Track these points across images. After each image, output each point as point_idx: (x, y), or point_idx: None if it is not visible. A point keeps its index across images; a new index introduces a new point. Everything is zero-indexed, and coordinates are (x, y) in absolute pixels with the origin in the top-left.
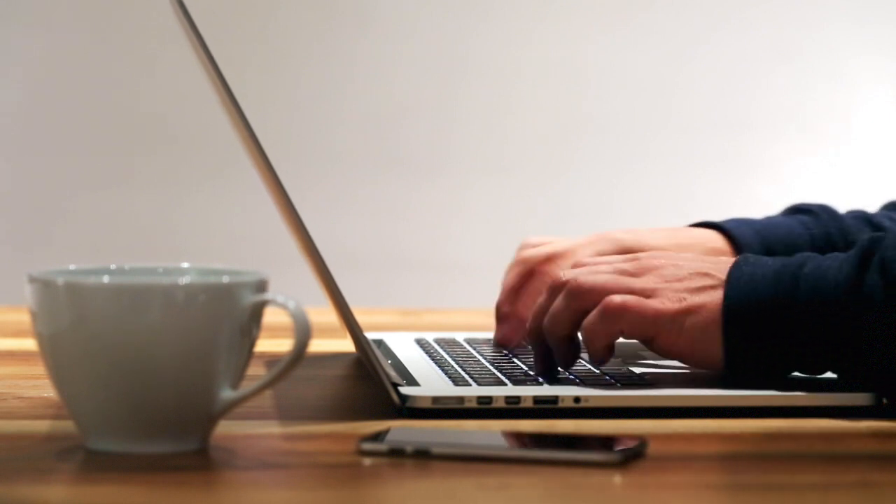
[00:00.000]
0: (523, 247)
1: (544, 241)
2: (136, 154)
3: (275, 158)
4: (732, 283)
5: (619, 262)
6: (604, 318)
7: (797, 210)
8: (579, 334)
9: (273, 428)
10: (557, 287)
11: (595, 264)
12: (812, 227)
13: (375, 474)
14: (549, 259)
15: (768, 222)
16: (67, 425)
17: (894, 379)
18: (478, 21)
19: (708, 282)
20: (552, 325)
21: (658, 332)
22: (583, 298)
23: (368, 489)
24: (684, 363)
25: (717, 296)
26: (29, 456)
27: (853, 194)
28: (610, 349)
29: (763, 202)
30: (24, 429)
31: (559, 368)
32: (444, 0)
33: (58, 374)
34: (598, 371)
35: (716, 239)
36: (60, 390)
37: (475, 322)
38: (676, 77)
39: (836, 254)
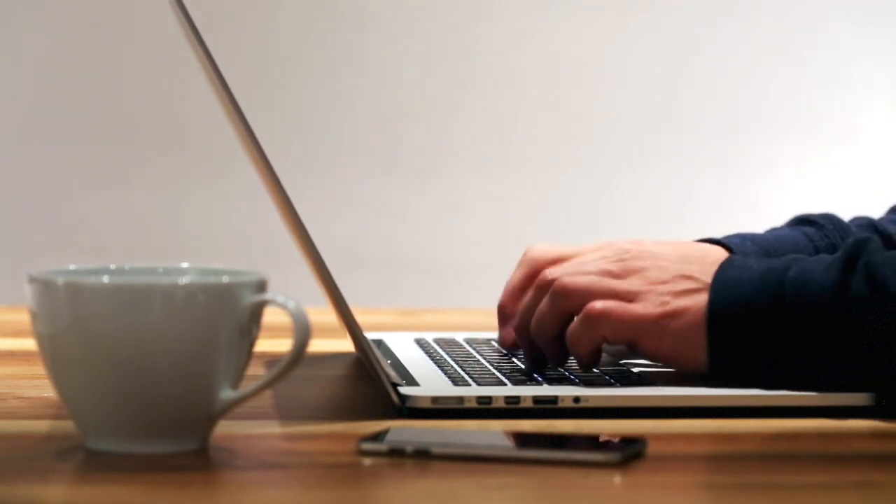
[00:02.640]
0: (528, 252)
1: (550, 247)
2: (136, 154)
3: (274, 158)
4: (717, 286)
5: (605, 262)
6: (586, 325)
7: (802, 221)
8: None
9: (273, 428)
10: (543, 286)
11: (581, 263)
12: (817, 239)
13: (375, 474)
14: (555, 262)
15: (772, 236)
16: (67, 425)
17: (881, 381)
18: (480, 21)
19: (692, 285)
20: (538, 326)
21: (641, 337)
22: (567, 300)
23: (368, 489)
24: (668, 367)
25: (701, 299)
26: (29, 456)
27: (854, 196)
28: (596, 354)
29: (765, 203)
30: (24, 429)
31: (551, 365)
32: (447, 0)
33: (58, 374)
34: (597, 371)
35: (720, 254)
36: (60, 390)
37: (475, 322)
38: (678, 78)
39: (822, 256)
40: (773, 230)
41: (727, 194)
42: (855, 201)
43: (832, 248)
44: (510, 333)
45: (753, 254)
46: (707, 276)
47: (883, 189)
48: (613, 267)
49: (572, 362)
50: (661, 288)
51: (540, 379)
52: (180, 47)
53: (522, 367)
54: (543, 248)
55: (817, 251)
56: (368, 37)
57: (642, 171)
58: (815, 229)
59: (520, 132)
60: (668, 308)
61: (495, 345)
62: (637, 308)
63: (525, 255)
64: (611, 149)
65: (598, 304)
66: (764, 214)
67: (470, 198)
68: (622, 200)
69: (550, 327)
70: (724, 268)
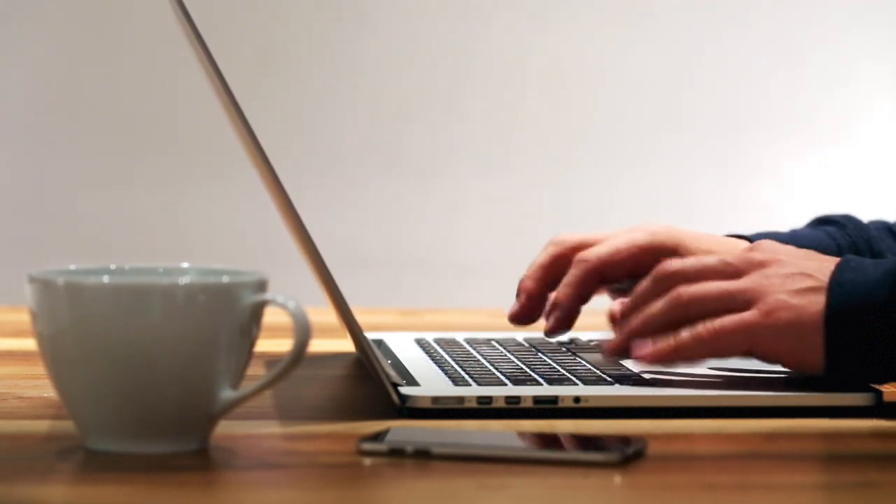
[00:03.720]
0: (559, 241)
1: (573, 237)
2: (136, 154)
3: (275, 158)
4: (834, 288)
5: (725, 259)
6: (700, 344)
7: (823, 221)
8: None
9: (273, 428)
10: (663, 278)
11: (700, 263)
12: (839, 238)
13: (375, 474)
14: (583, 245)
15: (795, 235)
16: (67, 425)
17: None
18: (481, 21)
19: (810, 283)
20: (643, 327)
21: (756, 343)
22: (686, 310)
23: (368, 489)
24: (784, 367)
25: (818, 300)
26: (29, 456)
27: (854, 196)
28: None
29: (764, 203)
30: (24, 429)
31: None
32: (447, 0)
33: (58, 374)
34: (597, 371)
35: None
36: (60, 390)
37: (475, 322)
38: (678, 78)
39: None
40: (795, 230)
41: (727, 194)
42: (855, 201)
43: (854, 248)
44: (525, 310)
45: None
46: (825, 276)
47: (883, 189)
48: (734, 261)
49: (576, 365)
50: (777, 284)
51: (540, 379)
52: (180, 47)
53: (522, 366)
54: (569, 233)
55: (839, 250)
56: (369, 37)
57: (642, 171)
58: (836, 228)
59: (520, 132)
60: (783, 307)
61: (495, 345)
62: (749, 317)
63: (550, 240)
64: (611, 149)
65: (716, 324)
66: (764, 214)
67: (470, 198)
68: (622, 200)
69: (657, 330)
70: (840, 268)
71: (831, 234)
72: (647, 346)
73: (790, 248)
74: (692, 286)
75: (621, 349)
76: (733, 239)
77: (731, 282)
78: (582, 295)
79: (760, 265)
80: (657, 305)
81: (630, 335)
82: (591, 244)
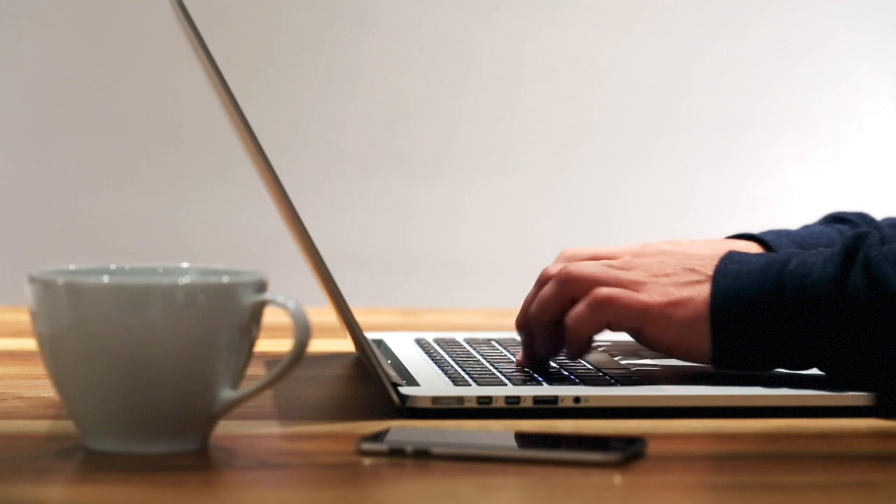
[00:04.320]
0: (562, 255)
1: (585, 250)
2: (136, 154)
3: (275, 158)
4: (719, 278)
5: (608, 262)
6: (592, 309)
7: (835, 219)
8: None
9: (273, 428)
10: (545, 279)
11: (584, 265)
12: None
13: (375, 474)
14: (595, 259)
15: (807, 233)
16: (67, 425)
17: (878, 375)
18: (481, 21)
19: (695, 277)
20: (538, 310)
21: (646, 324)
22: (572, 286)
23: (368, 489)
24: (671, 356)
25: (704, 290)
26: (29, 456)
27: (854, 196)
28: (590, 342)
29: (765, 202)
30: (24, 429)
31: (541, 359)
32: (447, 0)
33: (58, 374)
34: (598, 371)
35: (756, 251)
36: (60, 390)
37: (475, 322)
38: (679, 78)
39: (821, 250)
40: (807, 227)
41: (727, 194)
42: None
43: None
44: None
45: (788, 248)
46: (709, 269)
47: (882, 188)
48: (616, 262)
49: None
50: (664, 280)
51: (540, 379)
52: (180, 47)
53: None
54: (576, 252)
55: None
56: (369, 37)
57: (642, 171)
58: (848, 227)
59: (520, 132)
60: (672, 297)
61: (495, 345)
62: (643, 296)
63: (558, 258)
64: (611, 149)
65: (605, 290)
66: (763, 213)
67: (470, 198)
68: (622, 200)
69: (551, 311)
70: (725, 261)
71: (843, 232)
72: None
73: (670, 249)
74: (580, 266)
75: (535, 351)
76: (742, 241)
77: (618, 271)
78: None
79: (643, 265)
80: (547, 287)
81: (533, 327)
82: (602, 259)
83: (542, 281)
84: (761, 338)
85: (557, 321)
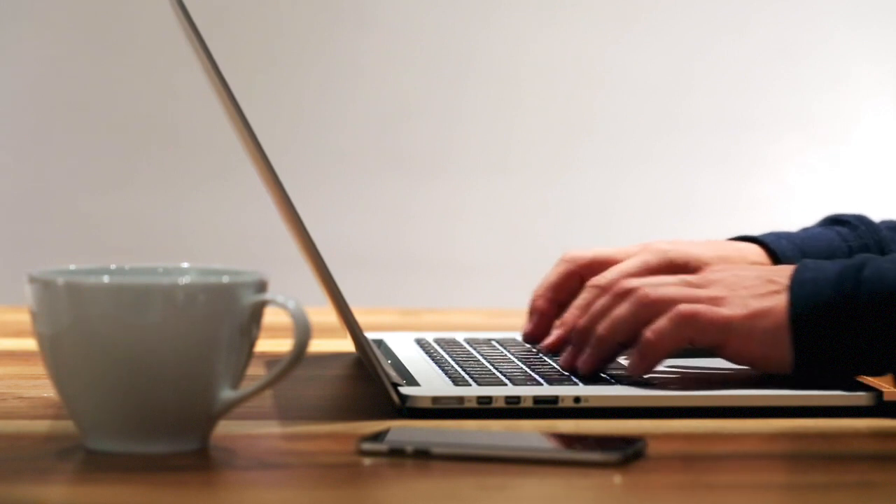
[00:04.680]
0: (565, 255)
1: (588, 252)
2: (136, 154)
3: (275, 158)
4: (796, 287)
5: (682, 277)
6: (675, 325)
7: (834, 221)
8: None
9: (273, 428)
10: (623, 294)
11: (659, 279)
12: (850, 238)
13: (375, 474)
14: (594, 262)
15: (807, 235)
16: (67, 425)
17: None
18: (482, 21)
19: (772, 287)
20: (611, 329)
21: (728, 339)
22: (650, 308)
23: (368, 489)
24: (754, 368)
25: (782, 300)
26: (29, 456)
27: (854, 196)
28: (667, 356)
29: (765, 202)
30: (24, 429)
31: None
32: (447, 0)
33: (58, 374)
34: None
35: (757, 252)
36: (60, 390)
37: (475, 322)
38: (679, 78)
39: (893, 255)
40: (807, 229)
41: (727, 194)
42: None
43: (865, 249)
44: (538, 329)
45: (790, 252)
46: (785, 279)
47: (882, 188)
48: (693, 279)
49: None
50: (743, 292)
51: (540, 379)
52: (180, 47)
53: (522, 366)
54: (581, 249)
55: (850, 250)
56: (369, 37)
57: (642, 171)
58: (847, 229)
59: (520, 133)
60: (752, 309)
61: (495, 345)
62: (724, 311)
63: (562, 257)
64: (611, 149)
65: (688, 307)
66: (763, 213)
67: (470, 198)
68: (622, 200)
69: (624, 333)
70: (800, 269)
71: (843, 235)
72: (634, 354)
73: (742, 264)
74: (658, 288)
75: (597, 363)
76: (743, 244)
77: (696, 289)
78: None
79: (720, 280)
80: (622, 308)
81: (599, 345)
82: (603, 261)
83: (617, 294)
84: (841, 344)
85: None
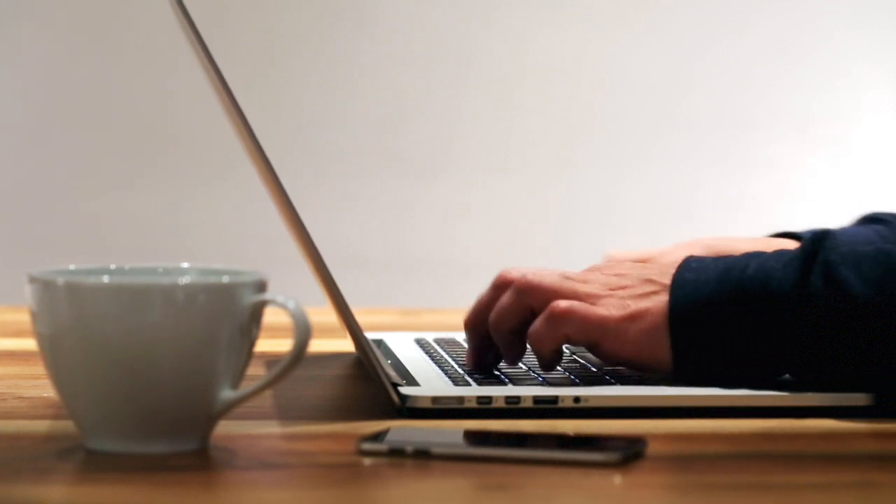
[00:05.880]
0: (606, 256)
1: (629, 253)
2: (136, 154)
3: (275, 158)
4: (676, 287)
5: (565, 273)
6: (550, 323)
7: (871, 220)
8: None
9: (273, 428)
10: (503, 284)
11: (542, 272)
12: (888, 236)
13: (375, 474)
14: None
15: (844, 232)
16: (67, 425)
17: (840, 378)
18: (481, 21)
19: (651, 287)
20: (498, 320)
21: (603, 338)
22: (529, 295)
23: (368, 489)
24: (631, 368)
25: (661, 300)
26: (29, 456)
27: (855, 195)
28: (558, 353)
29: (765, 202)
30: (24, 429)
31: (491, 364)
32: (447, 0)
33: (58, 374)
34: (598, 371)
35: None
36: (60, 390)
37: None
38: (679, 78)
39: (781, 252)
40: (844, 228)
41: (727, 193)
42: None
43: None
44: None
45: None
46: (666, 279)
47: (882, 188)
48: (572, 274)
49: (575, 363)
50: (621, 293)
51: (541, 378)
52: (181, 48)
53: (524, 367)
54: (624, 251)
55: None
56: (369, 37)
57: (642, 172)
58: (885, 227)
59: (520, 132)
60: (629, 311)
61: None
62: (600, 310)
63: (605, 256)
64: (611, 149)
65: (563, 303)
66: (763, 214)
67: (470, 198)
68: (622, 200)
69: (510, 321)
70: (681, 269)
71: (879, 232)
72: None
73: (628, 262)
74: (537, 275)
75: (486, 355)
76: (783, 240)
77: (578, 282)
78: None
79: (600, 279)
80: (505, 297)
81: (486, 333)
82: (646, 262)
83: (498, 285)
84: (723, 346)
85: (517, 330)
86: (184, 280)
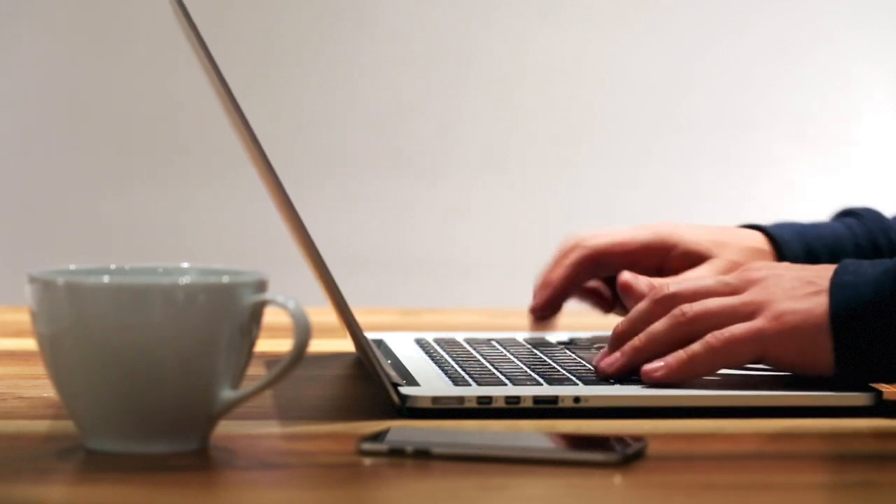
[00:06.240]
0: (568, 239)
1: (592, 233)
2: (137, 154)
3: (275, 159)
4: (836, 288)
5: (723, 279)
6: (710, 355)
7: (844, 214)
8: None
9: (273, 428)
10: (663, 301)
11: (699, 286)
12: (855, 228)
13: (375, 474)
14: (608, 250)
15: (811, 224)
16: (67, 425)
17: None
18: (481, 21)
19: (811, 288)
20: (651, 345)
21: (766, 350)
22: (689, 326)
23: (368, 489)
24: (795, 372)
25: (822, 301)
26: (29, 456)
27: (854, 195)
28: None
29: (765, 202)
30: (24, 429)
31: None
32: (447, 0)
33: (58, 374)
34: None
35: (757, 238)
36: (60, 390)
37: (475, 322)
38: (679, 78)
39: None
40: (815, 222)
41: (727, 194)
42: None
43: (869, 235)
44: (541, 302)
45: (791, 239)
46: (825, 280)
47: (883, 188)
48: (732, 280)
49: (574, 364)
50: (781, 294)
51: (540, 379)
52: (181, 48)
53: (524, 367)
54: (585, 235)
55: (855, 238)
56: (369, 37)
57: (643, 172)
58: (854, 219)
59: (520, 133)
60: (790, 314)
61: (495, 345)
62: (757, 323)
63: (563, 242)
64: (611, 149)
65: (719, 336)
66: (764, 213)
67: (470, 198)
68: (622, 200)
69: (664, 349)
70: (839, 270)
71: (849, 224)
72: (659, 365)
73: (785, 263)
74: (694, 304)
75: (624, 370)
76: (742, 230)
77: (732, 297)
78: (574, 278)
79: (758, 281)
80: (660, 324)
81: (633, 355)
82: (612, 247)
83: (658, 300)
84: (883, 345)
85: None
86: (184, 280)
